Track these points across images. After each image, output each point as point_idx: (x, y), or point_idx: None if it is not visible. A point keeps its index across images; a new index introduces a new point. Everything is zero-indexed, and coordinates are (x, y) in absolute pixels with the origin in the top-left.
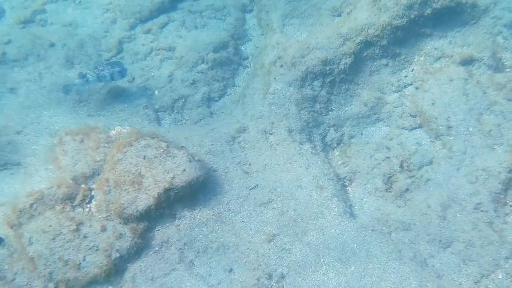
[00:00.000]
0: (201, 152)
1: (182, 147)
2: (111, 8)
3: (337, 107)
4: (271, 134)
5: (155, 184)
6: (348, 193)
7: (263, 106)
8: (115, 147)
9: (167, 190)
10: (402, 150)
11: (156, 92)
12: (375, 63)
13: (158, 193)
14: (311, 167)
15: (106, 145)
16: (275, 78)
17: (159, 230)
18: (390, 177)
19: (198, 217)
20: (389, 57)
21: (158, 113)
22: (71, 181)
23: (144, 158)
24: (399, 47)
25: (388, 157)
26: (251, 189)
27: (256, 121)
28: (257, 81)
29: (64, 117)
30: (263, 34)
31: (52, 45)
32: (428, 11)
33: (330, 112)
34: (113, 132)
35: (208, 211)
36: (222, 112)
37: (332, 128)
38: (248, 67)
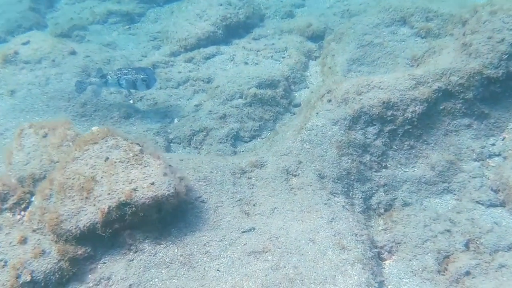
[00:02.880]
0: (193, 177)
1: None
2: (159, 36)
3: (394, 165)
4: (294, 175)
5: (109, 194)
6: (383, 268)
7: (293, 142)
8: (76, 144)
9: (122, 205)
10: (471, 226)
11: (176, 121)
12: (455, 122)
13: (110, 207)
14: (336, 222)
15: (71, 144)
16: (317, 113)
17: (105, 263)
18: (447, 256)
19: (160, 254)
20: (474, 117)
21: (172, 143)
22: (13, 181)
23: (105, 160)
24: (489, 107)
25: (449, 231)
26: (244, 232)
27: (279, 157)
28: (297, 119)
29: None
30: (323, 80)
31: (73, 53)
32: None
33: (384, 170)
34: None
35: (176, 250)
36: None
37: (382, 189)
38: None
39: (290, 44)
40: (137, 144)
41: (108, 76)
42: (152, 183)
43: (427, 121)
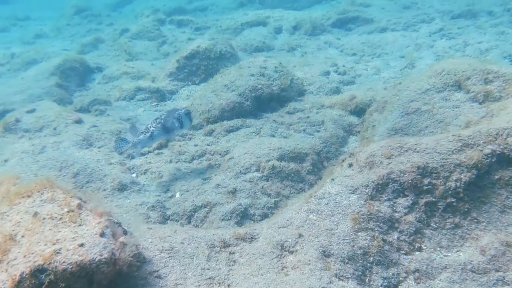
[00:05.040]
0: (156, 247)
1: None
2: (187, 107)
3: (431, 247)
4: (291, 252)
5: (25, 257)
6: None
7: (297, 212)
8: (8, 197)
9: (37, 272)
10: None
11: (178, 195)
12: None
13: (22, 273)
14: None
15: None
16: (333, 179)
17: None
18: None
19: None
20: None
21: (169, 220)
22: None
23: (33, 216)
24: None
25: None
26: None
27: (275, 230)
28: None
29: None
30: None
31: (78, 122)
32: None
33: (417, 252)
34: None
35: None
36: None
37: (412, 276)
38: None
39: (327, 117)
40: (79, 198)
41: (152, 129)
42: (81, 245)
43: (478, 194)
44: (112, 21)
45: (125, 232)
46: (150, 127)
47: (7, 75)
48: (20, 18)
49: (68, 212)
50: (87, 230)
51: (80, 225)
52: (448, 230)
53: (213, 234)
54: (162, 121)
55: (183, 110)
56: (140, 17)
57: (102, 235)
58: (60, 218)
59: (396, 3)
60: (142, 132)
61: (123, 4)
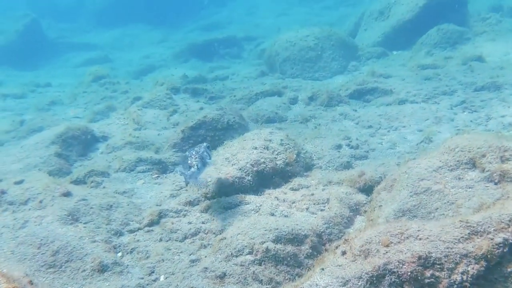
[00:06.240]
0: None
1: None
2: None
3: None
4: None
5: None
6: None
7: None
8: None
9: None
10: None
11: (162, 278)
12: None
13: None
14: None
15: None
16: (323, 269)
17: None
18: None
19: None
20: None
21: None
22: None
23: None
24: None
25: None
26: None
27: None
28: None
29: None
30: None
31: (66, 194)
32: None
33: None
34: None
35: None
36: None
37: None
38: None
39: (333, 195)
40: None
41: (195, 163)
42: None
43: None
44: (127, 88)
45: None
46: (193, 162)
47: (11, 142)
48: (40, 85)
49: None
50: None
51: None
52: None
53: None
54: (199, 155)
55: (205, 144)
56: (155, 85)
57: None
58: None
59: (417, 74)
60: (190, 167)
61: (145, 72)
